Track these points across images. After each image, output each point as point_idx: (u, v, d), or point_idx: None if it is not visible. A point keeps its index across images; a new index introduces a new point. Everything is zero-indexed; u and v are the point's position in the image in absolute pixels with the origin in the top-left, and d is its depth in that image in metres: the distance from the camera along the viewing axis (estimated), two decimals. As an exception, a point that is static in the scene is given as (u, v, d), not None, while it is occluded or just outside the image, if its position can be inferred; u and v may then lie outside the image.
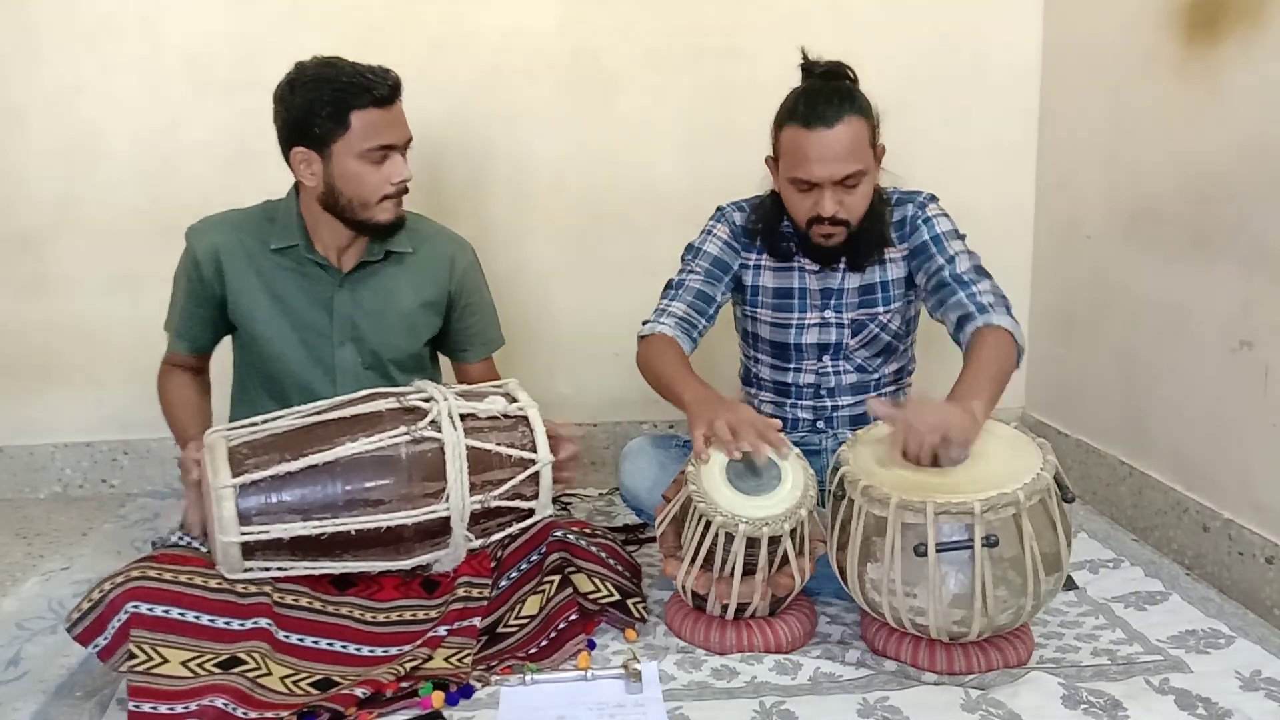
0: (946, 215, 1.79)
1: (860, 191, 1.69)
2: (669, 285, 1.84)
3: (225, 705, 1.31)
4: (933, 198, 1.81)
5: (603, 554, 1.59)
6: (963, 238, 1.78)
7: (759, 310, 1.86)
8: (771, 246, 1.82)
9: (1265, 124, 1.72)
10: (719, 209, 1.88)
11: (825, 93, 1.67)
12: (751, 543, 1.46)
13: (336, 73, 1.60)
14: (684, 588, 1.55)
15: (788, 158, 1.69)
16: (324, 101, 1.60)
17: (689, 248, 1.87)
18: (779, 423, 1.57)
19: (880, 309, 1.82)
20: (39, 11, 2.21)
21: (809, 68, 1.74)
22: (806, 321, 1.84)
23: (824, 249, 1.74)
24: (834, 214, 1.67)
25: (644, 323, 1.80)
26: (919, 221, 1.78)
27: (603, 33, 2.33)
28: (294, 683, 1.40)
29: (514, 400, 1.60)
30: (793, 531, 1.48)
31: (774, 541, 1.47)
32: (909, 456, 1.45)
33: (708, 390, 1.63)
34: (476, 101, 2.33)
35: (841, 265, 1.80)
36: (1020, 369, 2.49)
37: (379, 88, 1.60)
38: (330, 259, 1.74)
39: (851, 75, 1.73)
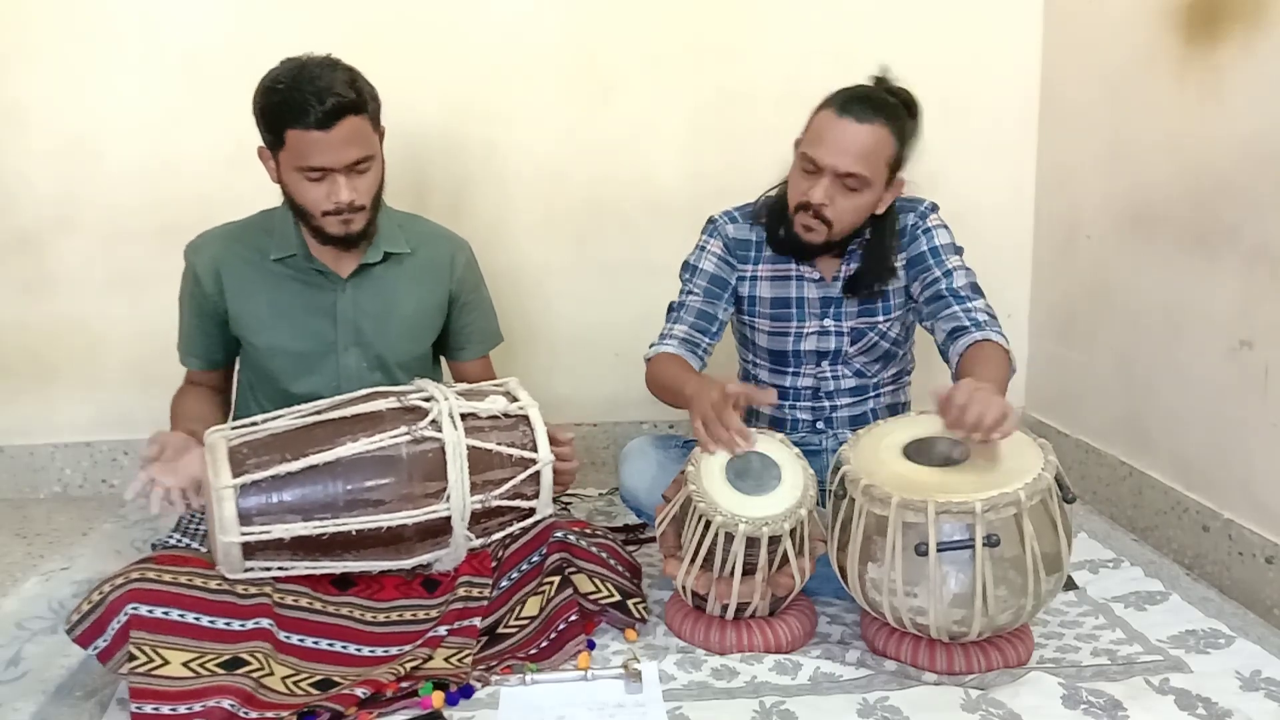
0: (946, 227, 1.80)
1: (855, 201, 1.68)
2: (671, 308, 1.85)
3: (231, 706, 1.31)
4: (934, 207, 1.81)
5: (603, 554, 1.59)
6: (960, 252, 1.79)
7: (756, 319, 1.86)
8: (776, 243, 1.81)
9: (1265, 124, 1.72)
10: (711, 220, 1.87)
11: (873, 94, 1.69)
12: (751, 542, 1.46)
13: (285, 86, 1.56)
14: (684, 588, 1.55)
15: (809, 135, 1.70)
16: (264, 113, 1.60)
17: (685, 266, 1.87)
18: (775, 395, 1.60)
19: (880, 318, 1.82)
20: (39, 11, 2.21)
21: (879, 81, 1.75)
22: (805, 330, 1.84)
23: (800, 242, 1.74)
24: (821, 205, 1.67)
25: (650, 346, 1.81)
26: (919, 232, 1.78)
27: (602, 33, 2.32)
28: (295, 683, 1.40)
29: (514, 399, 1.60)
30: (793, 531, 1.48)
31: (774, 541, 1.48)
32: (958, 420, 1.41)
33: (704, 378, 1.65)
34: (476, 101, 2.32)
35: (840, 276, 1.80)
36: (1020, 369, 2.51)
37: (314, 112, 1.54)
38: (329, 265, 1.74)
39: (912, 105, 1.73)
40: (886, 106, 1.67)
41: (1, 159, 2.26)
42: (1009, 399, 1.60)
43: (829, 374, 1.86)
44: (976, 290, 1.75)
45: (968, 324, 1.68)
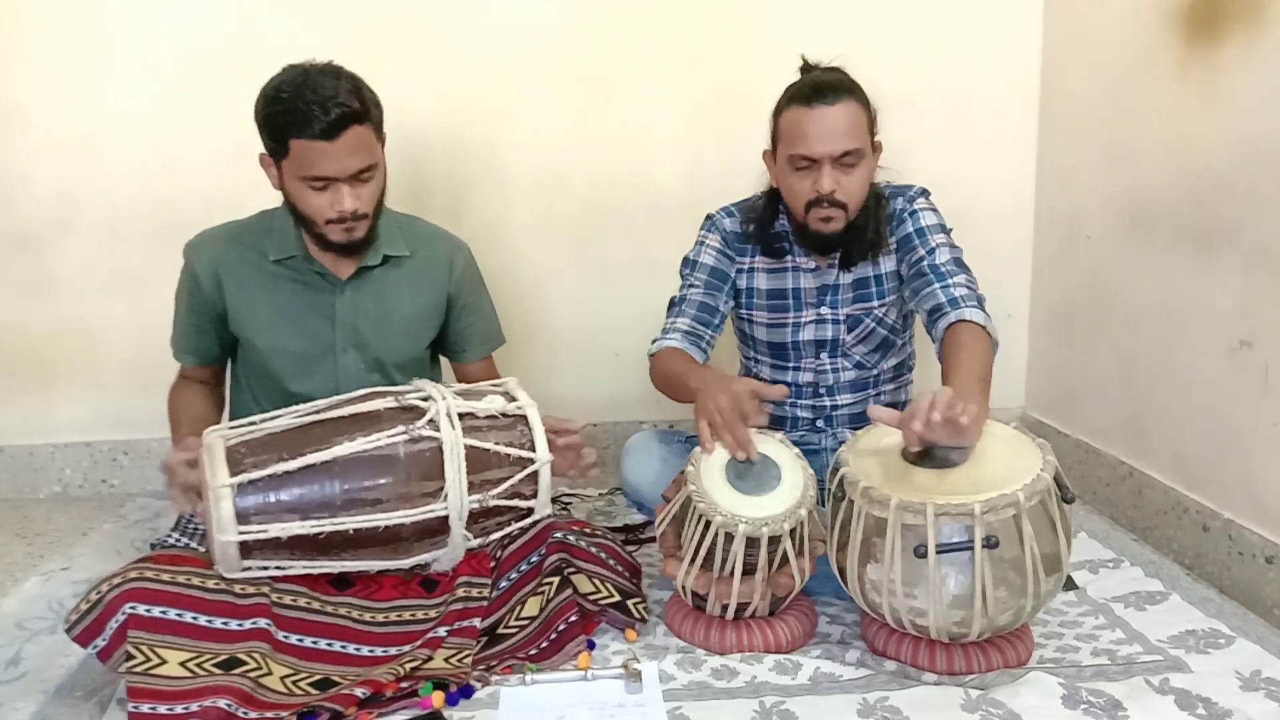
0: (934, 209, 1.81)
1: (858, 175, 1.70)
2: (672, 303, 1.86)
3: (228, 706, 1.31)
4: (923, 192, 1.82)
5: (603, 554, 1.59)
6: (948, 231, 1.79)
7: (754, 312, 1.87)
8: (766, 246, 1.82)
9: (1265, 124, 1.72)
10: (708, 217, 1.89)
11: (825, 78, 1.71)
12: (751, 543, 1.46)
13: (289, 95, 1.56)
14: (684, 588, 1.55)
15: (787, 138, 1.70)
16: (267, 122, 1.59)
17: (685, 261, 1.88)
18: (783, 389, 1.61)
19: (875, 303, 1.83)
20: (39, 12, 2.21)
21: (808, 69, 1.76)
22: (803, 320, 1.84)
23: (822, 236, 1.74)
24: (832, 192, 1.68)
25: (653, 342, 1.82)
26: (905, 215, 1.79)
27: (602, 33, 2.33)
28: (294, 683, 1.40)
29: (513, 399, 1.59)
30: (792, 531, 1.48)
31: (774, 541, 1.47)
32: (920, 434, 1.40)
33: (712, 373, 1.65)
34: (476, 101, 2.33)
35: (836, 261, 1.80)
36: (1020, 369, 2.52)
37: (318, 122, 1.54)
38: (328, 266, 1.73)
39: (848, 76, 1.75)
40: (843, 82, 1.70)
41: (1, 159, 2.27)
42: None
43: (829, 367, 1.86)
44: (959, 265, 1.74)
45: (944, 302, 1.68)
